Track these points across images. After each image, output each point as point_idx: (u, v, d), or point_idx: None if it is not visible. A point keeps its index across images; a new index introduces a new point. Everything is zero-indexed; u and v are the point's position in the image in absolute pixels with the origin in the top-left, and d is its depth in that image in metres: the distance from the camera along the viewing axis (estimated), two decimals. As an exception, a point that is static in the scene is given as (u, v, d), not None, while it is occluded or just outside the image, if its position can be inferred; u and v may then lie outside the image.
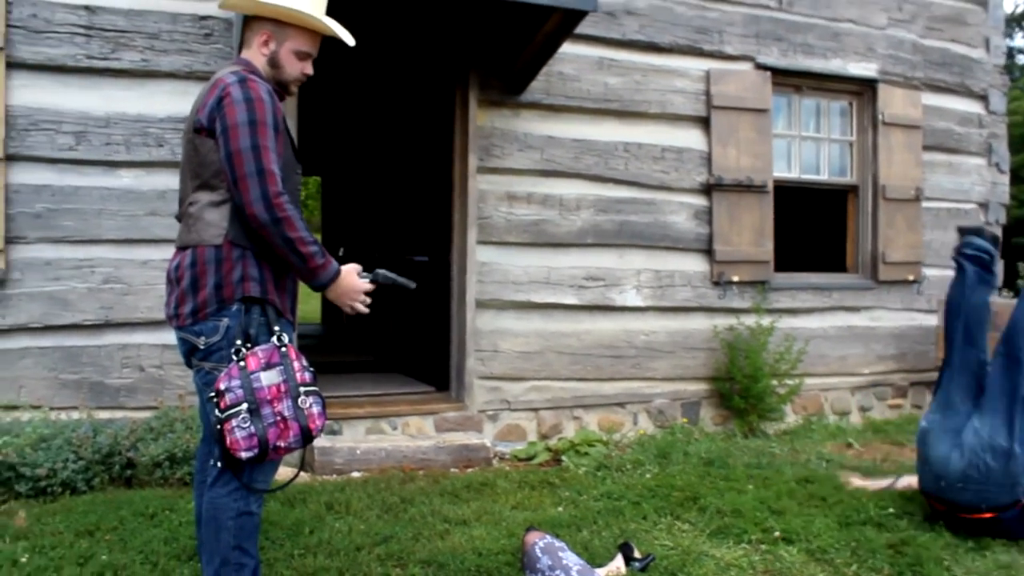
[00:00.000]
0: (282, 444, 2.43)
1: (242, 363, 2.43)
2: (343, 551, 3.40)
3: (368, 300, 2.65)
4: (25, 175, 4.61)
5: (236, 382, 2.40)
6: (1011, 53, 26.86)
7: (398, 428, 5.36)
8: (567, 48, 5.46)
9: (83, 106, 4.68)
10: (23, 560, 3.23)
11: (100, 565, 3.19)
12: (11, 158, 4.58)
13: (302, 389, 2.47)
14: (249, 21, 2.68)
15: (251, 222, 2.42)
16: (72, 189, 4.67)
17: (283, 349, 2.49)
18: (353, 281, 2.61)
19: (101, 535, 3.52)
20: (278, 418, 2.42)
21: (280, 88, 2.70)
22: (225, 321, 2.50)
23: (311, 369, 2.54)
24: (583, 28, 5.29)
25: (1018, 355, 3.82)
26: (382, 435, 5.26)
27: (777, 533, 3.75)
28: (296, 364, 2.49)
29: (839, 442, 5.94)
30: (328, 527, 3.68)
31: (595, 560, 3.29)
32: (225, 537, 2.53)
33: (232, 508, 2.53)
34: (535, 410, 5.76)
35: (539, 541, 3.16)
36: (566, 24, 4.96)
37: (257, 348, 2.47)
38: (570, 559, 3.09)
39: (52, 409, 4.56)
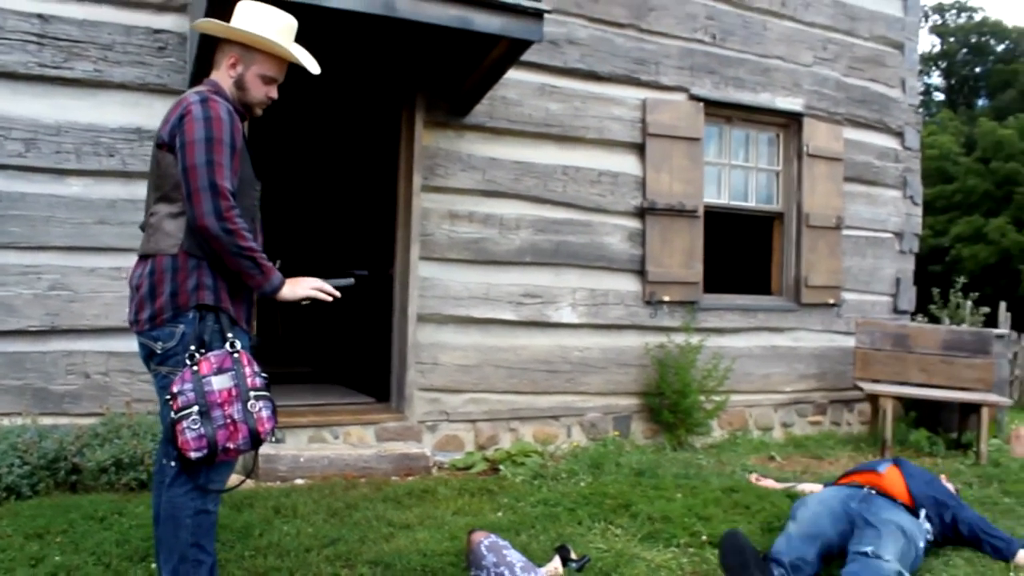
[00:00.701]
0: (231, 446, 2.56)
1: (195, 367, 2.56)
2: (293, 552, 3.51)
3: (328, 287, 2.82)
4: (-28, 180, 4.62)
5: (188, 385, 2.53)
6: (927, 90, 28.12)
7: (340, 437, 5.46)
8: (511, 74, 5.66)
9: (34, 113, 4.71)
10: (-28, 561, 3.27)
11: (53, 566, 3.25)
12: (-42, 163, 4.59)
13: (252, 394, 2.60)
14: (220, 44, 2.83)
15: (203, 233, 2.55)
16: (19, 195, 4.69)
17: (235, 355, 2.62)
18: (299, 279, 2.79)
19: (51, 538, 3.56)
20: (228, 421, 2.54)
21: (245, 109, 2.85)
22: (181, 327, 2.63)
23: (263, 375, 2.67)
24: (527, 56, 5.48)
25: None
26: (324, 444, 5.36)
27: (704, 537, 3.97)
28: (248, 370, 2.62)
29: (762, 455, 6.25)
30: (277, 530, 3.78)
31: (534, 561, 3.45)
32: (184, 535, 2.64)
33: (190, 507, 2.64)
34: (473, 421, 5.92)
35: (484, 540, 3.33)
36: (512, 52, 5.16)
37: (210, 353, 2.60)
38: (514, 556, 3.26)
39: (-6, 414, 4.56)
